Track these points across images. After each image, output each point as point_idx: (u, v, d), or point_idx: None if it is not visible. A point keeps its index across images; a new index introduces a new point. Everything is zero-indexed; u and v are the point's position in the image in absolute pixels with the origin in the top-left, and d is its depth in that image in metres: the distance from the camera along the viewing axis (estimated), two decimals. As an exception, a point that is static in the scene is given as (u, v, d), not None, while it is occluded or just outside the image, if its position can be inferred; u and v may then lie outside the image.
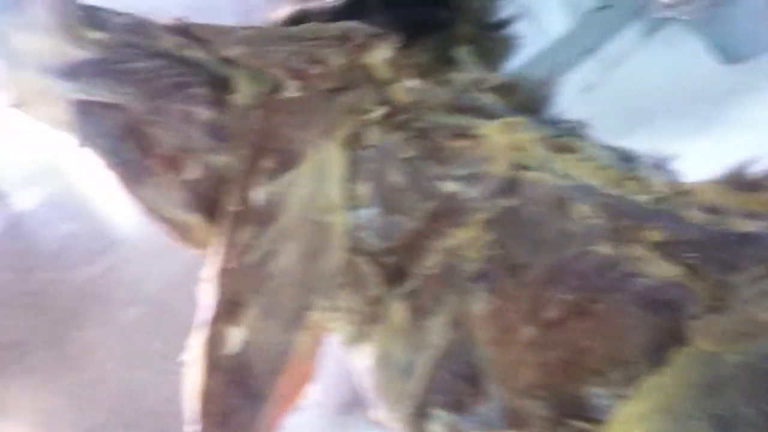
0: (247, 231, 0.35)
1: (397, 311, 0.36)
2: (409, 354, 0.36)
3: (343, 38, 0.44)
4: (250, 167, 0.36)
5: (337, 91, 0.40)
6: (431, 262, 0.37)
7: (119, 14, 0.39)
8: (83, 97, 0.37)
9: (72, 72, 0.36)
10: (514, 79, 0.49)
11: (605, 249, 0.36)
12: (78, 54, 0.37)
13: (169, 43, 0.39)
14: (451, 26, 0.49)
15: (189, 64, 0.40)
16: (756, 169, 0.41)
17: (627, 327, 0.34)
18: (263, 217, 0.36)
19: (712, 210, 0.39)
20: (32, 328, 1.74)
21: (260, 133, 0.37)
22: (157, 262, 1.79)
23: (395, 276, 0.37)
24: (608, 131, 0.51)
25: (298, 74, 0.39)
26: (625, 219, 0.38)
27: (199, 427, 0.35)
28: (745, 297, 0.34)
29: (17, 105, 0.37)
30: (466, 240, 0.38)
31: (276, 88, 0.39)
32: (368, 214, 0.39)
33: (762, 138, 0.41)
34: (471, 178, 0.40)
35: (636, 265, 0.36)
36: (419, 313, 0.36)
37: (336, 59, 0.41)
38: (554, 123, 0.45)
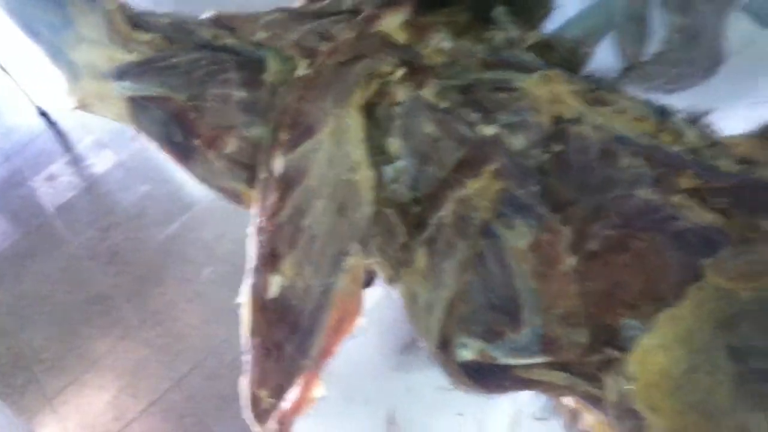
0: (273, 195, 0.39)
1: (419, 256, 0.40)
2: (430, 293, 0.39)
3: (354, 12, 0.46)
4: (271, 141, 0.40)
5: (348, 62, 0.42)
6: (445, 211, 0.39)
7: (161, 15, 0.43)
8: (135, 93, 0.40)
9: (123, 74, 0.40)
10: (551, 38, 0.50)
11: (646, 194, 0.38)
12: (127, 57, 0.41)
13: (205, 35, 0.42)
14: None
15: (224, 51, 0.43)
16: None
17: (661, 264, 0.36)
18: (286, 182, 0.39)
19: (742, 161, 0.40)
20: (115, 283, 1.85)
21: (279, 109, 0.40)
22: (230, 223, 1.87)
23: (418, 225, 0.40)
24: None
25: (308, 53, 0.42)
26: (662, 167, 0.39)
27: (249, 356, 0.40)
28: (763, 237, 0.36)
29: (81, 107, 0.41)
30: (477, 190, 0.40)
31: (293, 67, 0.42)
32: (399, 167, 0.41)
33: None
34: (515, 126, 0.41)
35: (674, 208, 0.37)
36: (436, 257, 0.39)
37: (346, 33, 0.43)
38: (590, 77, 0.46)
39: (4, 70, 2.21)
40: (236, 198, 0.43)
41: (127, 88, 0.41)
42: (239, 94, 0.41)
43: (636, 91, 0.48)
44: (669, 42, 0.53)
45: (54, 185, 2.16)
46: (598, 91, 0.43)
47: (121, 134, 2.22)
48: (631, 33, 0.56)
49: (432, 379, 0.45)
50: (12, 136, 2.35)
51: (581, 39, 0.50)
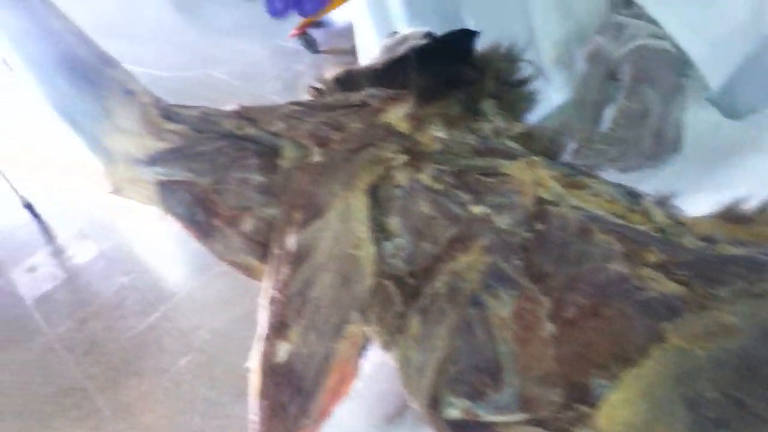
0: (285, 269, 0.43)
1: (414, 323, 0.43)
2: (422, 356, 0.43)
3: (363, 104, 0.51)
4: (285, 220, 0.45)
5: (357, 150, 0.47)
6: (439, 282, 0.43)
7: (189, 108, 0.48)
8: (164, 178, 0.46)
9: (154, 160, 0.45)
10: (533, 129, 0.54)
11: (617, 267, 0.42)
12: (158, 146, 0.45)
13: (228, 125, 0.48)
14: (478, 83, 0.55)
15: (245, 140, 0.48)
16: (748, 206, 0.45)
17: (628, 328, 0.40)
18: (297, 258, 0.43)
19: (704, 238, 0.44)
20: (90, 374, 1.83)
21: (292, 192, 0.45)
22: (207, 313, 1.89)
23: (414, 295, 0.44)
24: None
25: (322, 141, 0.46)
26: (631, 243, 0.43)
27: (256, 418, 0.43)
28: (718, 305, 0.39)
29: (115, 192, 0.46)
30: (467, 263, 0.44)
31: (307, 154, 0.47)
32: (397, 243, 0.45)
33: (760, 185, 0.46)
34: (502, 206, 0.46)
35: (641, 280, 0.41)
36: (428, 324, 0.43)
37: (356, 123, 0.48)
38: (567, 164, 0.51)
39: (-11, 161, 2.25)
40: (249, 271, 0.47)
41: (157, 173, 0.46)
42: (257, 178, 0.46)
43: (593, 168, 0.51)
44: (613, 122, 0.58)
45: (34, 276, 2.16)
46: (575, 176, 0.48)
47: (102, 225, 2.27)
48: (582, 116, 0.62)
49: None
50: (-6, 228, 2.37)
51: (559, 130, 0.53)
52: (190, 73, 2.59)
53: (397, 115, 0.50)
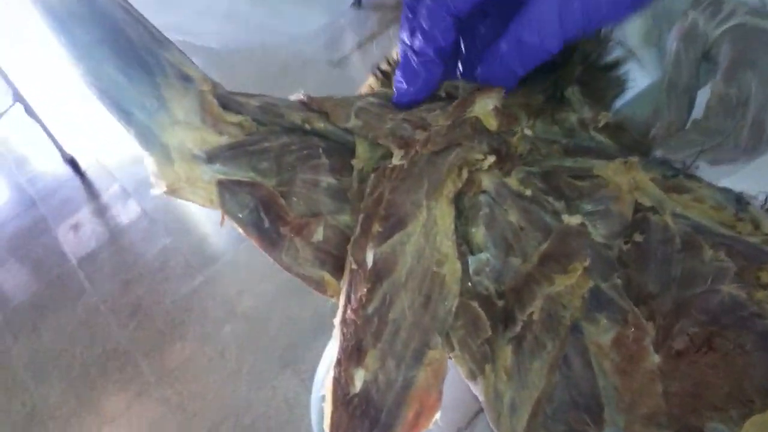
0: (362, 287, 0.38)
1: (505, 353, 0.39)
2: (515, 392, 0.39)
3: (448, 97, 0.46)
4: (362, 232, 0.40)
5: (442, 152, 0.42)
6: (534, 308, 0.39)
7: (252, 96, 0.43)
8: (225, 177, 0.41)
9: (214, 157, 0.40)
10: (623, 119, 0.49)
11: (731, 289, 0.38)
12: (217, 140, 0.41)
13: (295, 118, 0.43)
14: (563, 67, 0.51)
15: (314, 136, 0.43)
16: None
17: (748, 366, 0.36)
18: (376, 275, 0.39)
19: None
20: (134, 338, 1.84)
21: (370, 200, 0.40)
22: (252, 280, 1.87)
23: (504, 320, 0.40)
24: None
25: (403, 143, 0.41)
26: (743, 260, 0.38)
27: None
28: None
29: (171, 192, 0.41)
30: (567, 288, 0.39)
31: (385, 156, 0.42)
32: (483, 258, 0.41)
33: None
34: (599, 215, 0.41)
35: (758, 305, 0.36)
36: (523, 355, 0.39)
37: (441, 120, 0.43)
38: (666, 163, 0.46)
39: (33, 116, 2.25)
40: (320, 286, 0.42)
41: (217, 171, 0.41)
42: (328, 180, 0.41)
43: (675, 158, 0.46)
44: (708, 110, 0.52)
45: (78, 235, 2.17)
46: (675, 177, 0.43)
47: (145, 183, 2.26)
48: (672, 102, 0.57)
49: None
50: (38, 183, 2.39)
51: (651, 121, 0.49)
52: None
53: (485, 108, 0.45)
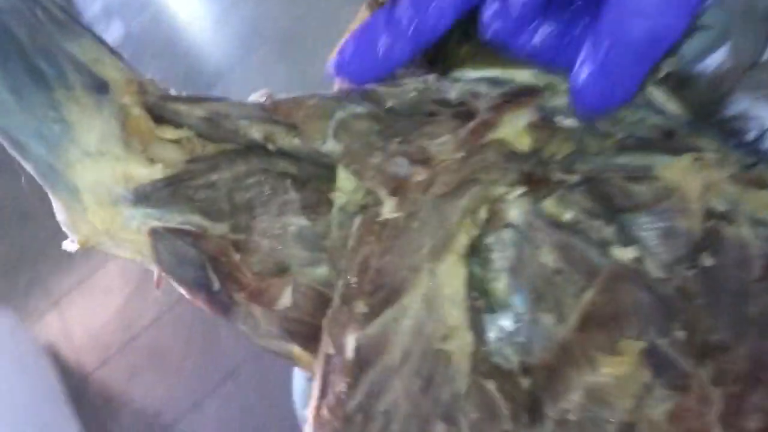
0: (342, 381, 0.30)
1: None
2: None
3: (465, 114, 0.33)
4: (341, 304, 0.30)
5: (451, 194, 0.31)
6: (570, 404, 0.30)
7: (197, 101, 0.31)
8: (159, 225, 0.30)
9: (143, 197, 0.30)
10: (687, 69, 0.37)
11: None
12: (147, 173, 0.30)
13: (254, 133, 0.32)
14: None
15: (279, 158, 0.32)
16: None
17: None
18: (359, 365, 0.30)
19: None
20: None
21: (354, 264, 0.30)
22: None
23: (530, 409, 0.31)
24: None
25: (396, 186, 0.31)
26: None
27: None
28: None
29: (88, 245, 0.31)
30: (615, 379, 0.31)
31: (374, 202, 0.31)
32: (505, 317, 0.31)
33: None
34: (658, 237, 0.32)
35: None
36: None
37: (449, 150, 0.32)
38: (744, 145, 0.35)
39: None
40: (291, 361, 0.34)
41: (148, 216, 0.31)
42: (299, 222, 0.32)
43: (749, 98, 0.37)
44: None
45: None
46: (755, 166, 0.33)
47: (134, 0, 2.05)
48: (746, 31, 0.44)
49: None
50: None
51: (721, 70, 0.37)
52: None
53: (516, 126, 0.33)
